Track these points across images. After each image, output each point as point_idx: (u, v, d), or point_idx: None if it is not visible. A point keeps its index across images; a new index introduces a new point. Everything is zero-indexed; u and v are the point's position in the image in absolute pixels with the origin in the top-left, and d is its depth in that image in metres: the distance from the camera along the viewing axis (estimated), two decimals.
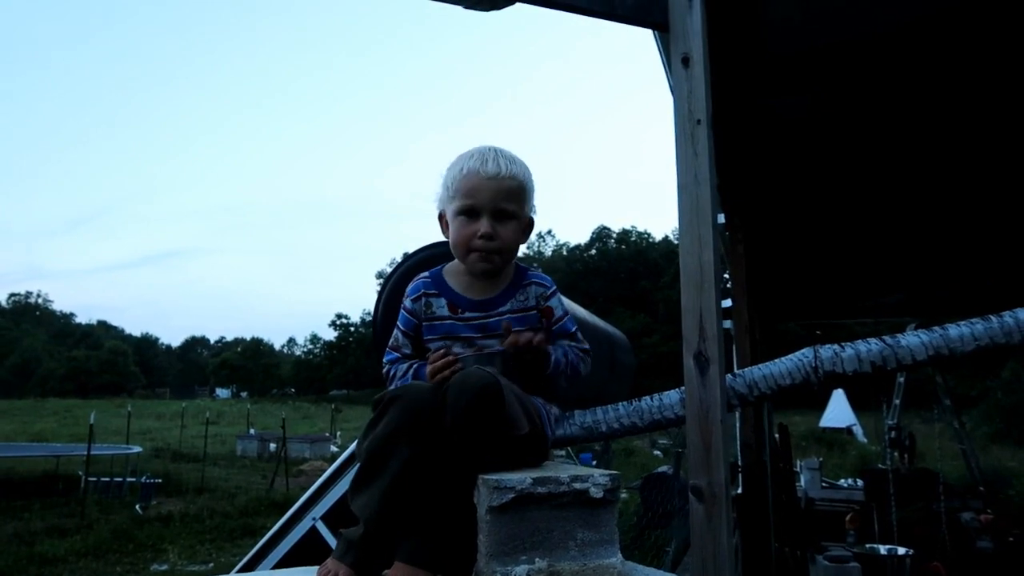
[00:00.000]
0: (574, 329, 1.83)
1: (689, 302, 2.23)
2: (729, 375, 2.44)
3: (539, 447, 1.58)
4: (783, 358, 2.38)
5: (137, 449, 20.45)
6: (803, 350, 2.36)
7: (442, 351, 1.65)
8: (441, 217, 1.78)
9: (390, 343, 1.81)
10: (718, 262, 2.26)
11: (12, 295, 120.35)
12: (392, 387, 1.72)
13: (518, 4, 2.09)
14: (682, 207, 2.28)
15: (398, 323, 1.79)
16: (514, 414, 1.46)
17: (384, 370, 1.80)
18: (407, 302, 1.78)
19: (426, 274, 1.81)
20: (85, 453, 15.61)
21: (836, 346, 2.32)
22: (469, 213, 1.70)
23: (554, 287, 1.82)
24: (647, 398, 2.57)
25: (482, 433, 1.39)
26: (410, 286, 1.80)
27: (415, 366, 1.75)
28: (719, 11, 2.82)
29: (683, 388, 2.36)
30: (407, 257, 2.48)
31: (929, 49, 3.73)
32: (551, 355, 1.72)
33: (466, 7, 1.99)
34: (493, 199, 1.68)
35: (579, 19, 2.29)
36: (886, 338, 2.28)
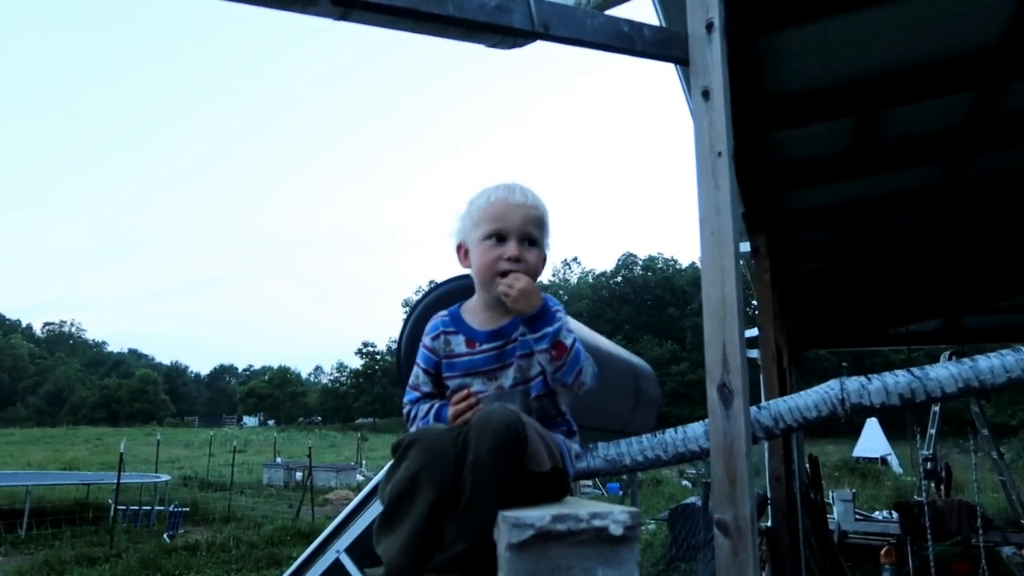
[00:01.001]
0: (573, 338, 1.79)
1: (712, 334, 2.21)
2: (754, 407, 2.42)
3: (560, 484, 1.58)
4: (809, 390, 2.36)
5: (166, 478, 20.60)
6: (829, 382, 2.34)
7: (463, 391, 1.66)
8: (460, 248, 1.81)
9: (410, 382, 1.82)
10: (741, 293, 2.25)
11: (46, 324, 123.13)
12: (413, 427, 1.74)
13: (539, 41, 2.13)
14: (704, 239, 2.28)
15: (418, 361, 1.81)
16: (536, 451, 1.46)
17: (405, 411, 1.80)
18: (427, 340, 1.80)
19: (444, 313, 1.84)
20: (115, 482, 15.76)
21: (863, 378, 2.29)
22: (497, 237, 1.72)
23: (563, 310, 1.81)
24: (671, 430, 2.56)
25: (504, 471, 1.39)
26: (429, 324, 1.82)
27: (436, 406, 1.75)
28: (739, 45, 2.85)
29: (707, 420, 2.35)
30: (431, 290, 2.51)
31: (956, 78, 3.72)
32: (546, 301, 1.68)
33: (489, 46, 2.03)
34: (522, 223, 1.72)
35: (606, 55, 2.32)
36: (914, 370, 2.25)
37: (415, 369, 1.81)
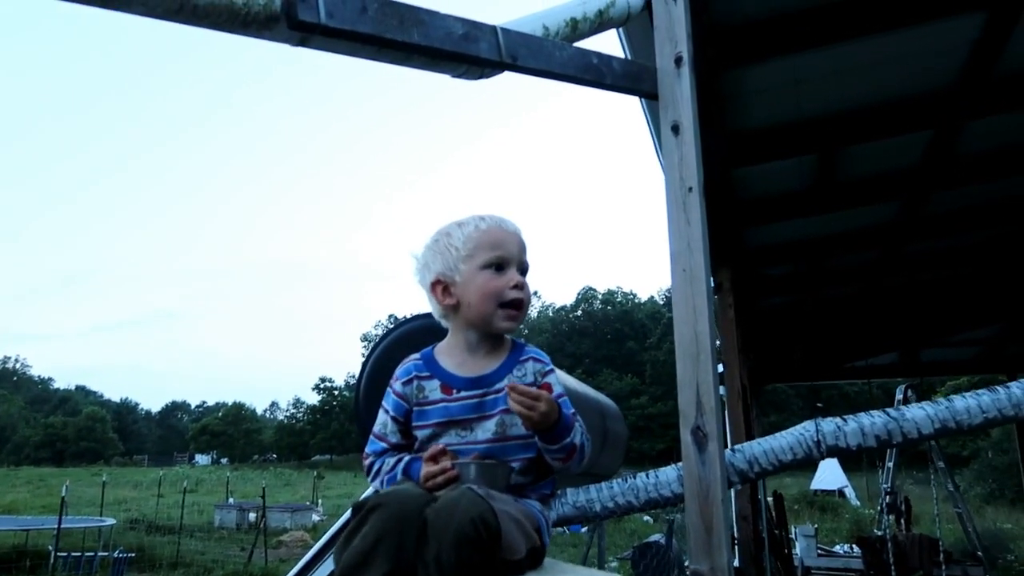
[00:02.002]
0: (572, 411, 1.62)
1: (685, 374, 2.13)
2: (728, 450, 2.34)
3: (536, 559, 1.45)
4: (783, 432, 2.29)
5: (110, 521, 19.69)
6: (804, 424, 2.27)
7: (438, 449, 1.51)
8: (437, 285, 1.64)
9: (375, 429, 1.64)
10: (714, 332, 2.19)
11: None
12: (376, 482, 1.58)
13: (506, 72, 2.06)
14: (675, 276, 2.21)
15: (386, 406, 1.64)
16: (510, 541, 1.31)
17: (367, 462, 1.62)
18: (397, 385, 1.63)
19: (417, 356, 1.68)
20: (55, 527, 15.01)
21: (838, 419, 2.23)
22: (497, 266, 1.61)
23: (552, 365, 1.68)
24: (642, 475, 2.46)
25: (472, 567, 1.23)
26: (400, 368, 1.66)
27: (405, 460, 1.58)
28: (705, 80, 2.84)
29: (680, 464, 2.26)
30: (391, 329, 2.39)
31: (915, 116, 3.77)
32: (562, 409, 1.53)
33: (454, 76, 1.96)
34: (519, 251, 1.63)
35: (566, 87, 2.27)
36: (890, 411, 2.20)
37: (382, 416, 1.64)
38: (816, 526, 12.02)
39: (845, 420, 2.20)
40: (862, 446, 2.19)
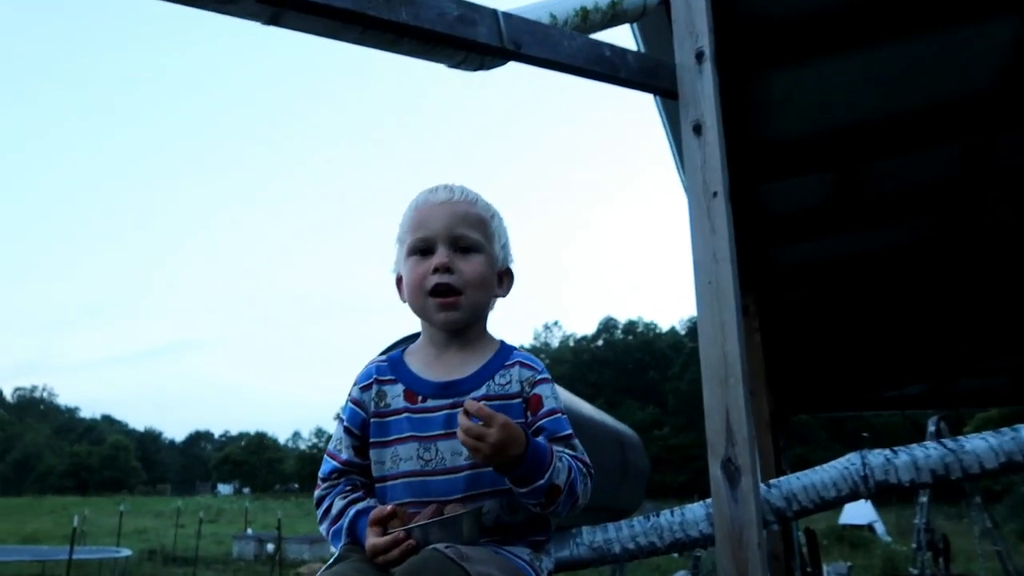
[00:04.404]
0: (567, 432, 1.33)
1: (713, 400, 1.90)
2: (762, 486, 2.09)
3: None
4: (825, 466, 2.04)
5: (126, 552, 19.53)
6: (848, 456, 2.02)
7: (385, 512, 1.20)
8: (399, 282, 1.43)
9: (329, 446, 1.39)
10: (744, 352, 1.95)
11: (17, 389, 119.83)
12: (323, 528, 1.33)
13: (512, 66, 1.87)
14: (700, 289, 1.99)
15: (341, 415, 1.39)
16: None
17: (317, 492, 1.37)
18: (354, 391, 1.38)
19: (383, 356, 1.44)
20: (68, 558, 14.85)
21: (887, 451, 1.98)
22: (422, 250, 1.36)
23: (546, 374, 1.38)
24: (666, 513, 2.21)
25: None
26: (361, 371, 1.41)
27: (351, 516, 1.29)
28: (730, 81, 2.63)
29: (709, 501, 2.02)
30: (385, 351, 2.18)
31: (951, 129, 3.54)
32: (529, 442, 1.20)
33: (451, 66, 1.77)
34: (448, 225, 1.35)
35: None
36: (947, 442, 1.94)
37: (336, 428, 1.39)
38: (850, 564, 11.51)
39: (895, 452, 1.95)
40: (915, 482, 1.93)
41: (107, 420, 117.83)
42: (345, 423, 1.37)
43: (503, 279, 1.45)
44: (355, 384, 1.39)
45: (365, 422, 1.35)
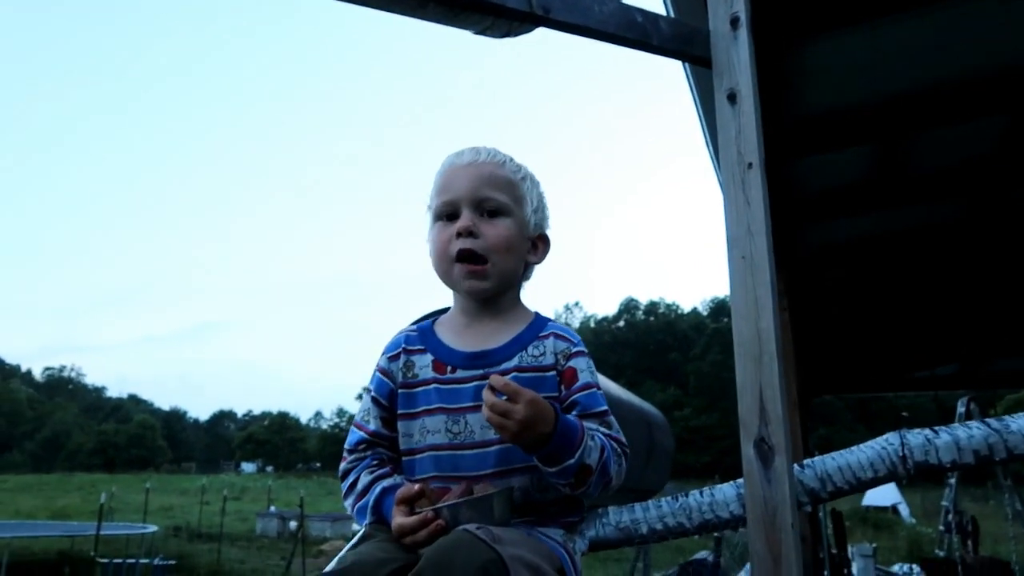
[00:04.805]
0: (602, 408, 1.29)
1: (746, 378, 1.84)
2: (796, 466, 2.04)
3: None
4: (862, 446, 1.97)
5: (152, 528, 19.90)
6: (887, 435, 1.95)
7: (413, 491, 1.16)
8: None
9: (358, 414, 1.35)
10: (779, 329, 1.89)
11: (46, 369, 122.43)
12: (348, 503, 1.29)
13: (540, 32, 1.80)
14: (733, 264, 1.92)
15: (369, 386, 1.35)
16: None
17: (343, 465, 1.33)
18: (382, 360, 1.34)
19: (413, 326, 1.39)
20: (95, 533, 15.14)
21: (928, 431, 1.90)
22: (448, 214, 1.30)
23: (583, 347, 1.32)
24: (695, 493, 2.16)
25: None
26: (390, 340, 1.37)
27: (377, 493, 1.24)
28: (765, 48, 2.54)
29: (739, 482, 1.97)
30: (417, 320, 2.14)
31: (988, 102, 3.41)
32: (557, 417, 1.14)
33: (477, 32, 1.71)
34: (472, 187, 1.29)
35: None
36: (991, 422, 1.86)
37: (364, 399, 1.35)
38: (875, 545, 11.44)
39: (936, 432, 1.87)
40: (957, 463, 1.86)
41: (133, 400, 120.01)
42: (372, 393, 1.33)
43: (537, 245, 1.38)
44: (383, 353, 1.35)
45: (393, 393, 1.31)
